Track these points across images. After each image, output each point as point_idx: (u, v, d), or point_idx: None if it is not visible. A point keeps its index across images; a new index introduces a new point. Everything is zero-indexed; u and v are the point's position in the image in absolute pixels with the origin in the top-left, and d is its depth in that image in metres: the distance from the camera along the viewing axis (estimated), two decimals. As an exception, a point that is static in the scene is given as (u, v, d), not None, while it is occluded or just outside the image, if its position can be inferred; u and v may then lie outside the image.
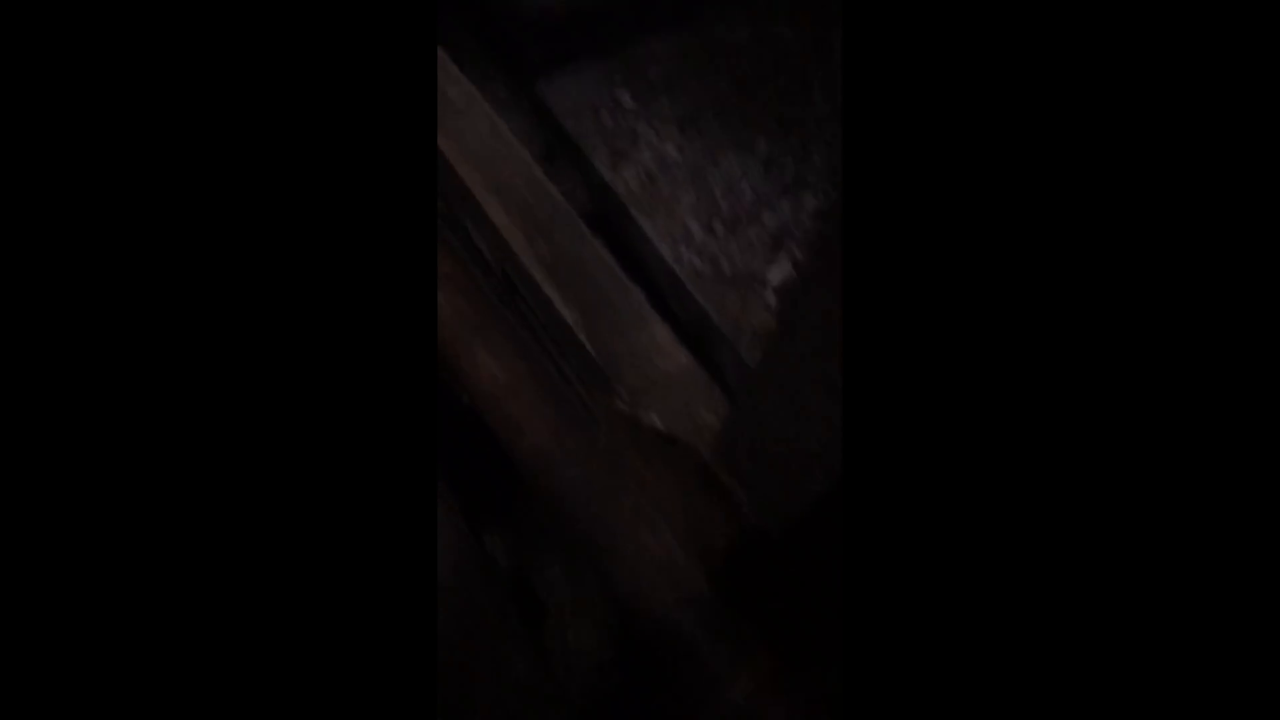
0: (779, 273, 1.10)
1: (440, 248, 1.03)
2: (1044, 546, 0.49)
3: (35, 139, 0.50)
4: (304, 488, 0.50)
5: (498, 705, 0.83)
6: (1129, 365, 0.48)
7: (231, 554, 0.50)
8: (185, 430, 0.51)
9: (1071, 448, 0.49)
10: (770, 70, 1.25)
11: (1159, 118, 0.46)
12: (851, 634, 0.51)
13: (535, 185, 1.02)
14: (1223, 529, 0.46)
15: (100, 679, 0.50)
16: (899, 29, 0.48)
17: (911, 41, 0.48)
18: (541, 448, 0.87)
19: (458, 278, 1.01)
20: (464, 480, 0.94)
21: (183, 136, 0.50)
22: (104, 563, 0.51)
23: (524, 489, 0.90)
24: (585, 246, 0.97)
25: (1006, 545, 0.50)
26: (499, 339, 0.93)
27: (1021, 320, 0.49)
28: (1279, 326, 0.45)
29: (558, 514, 0.86)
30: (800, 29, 1.29)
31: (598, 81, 1.24)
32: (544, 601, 0.98)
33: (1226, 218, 0.45)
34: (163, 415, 0.51)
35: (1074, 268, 0.48)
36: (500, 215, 0.98)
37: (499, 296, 1.04)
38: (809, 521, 0.71)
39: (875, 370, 0.52)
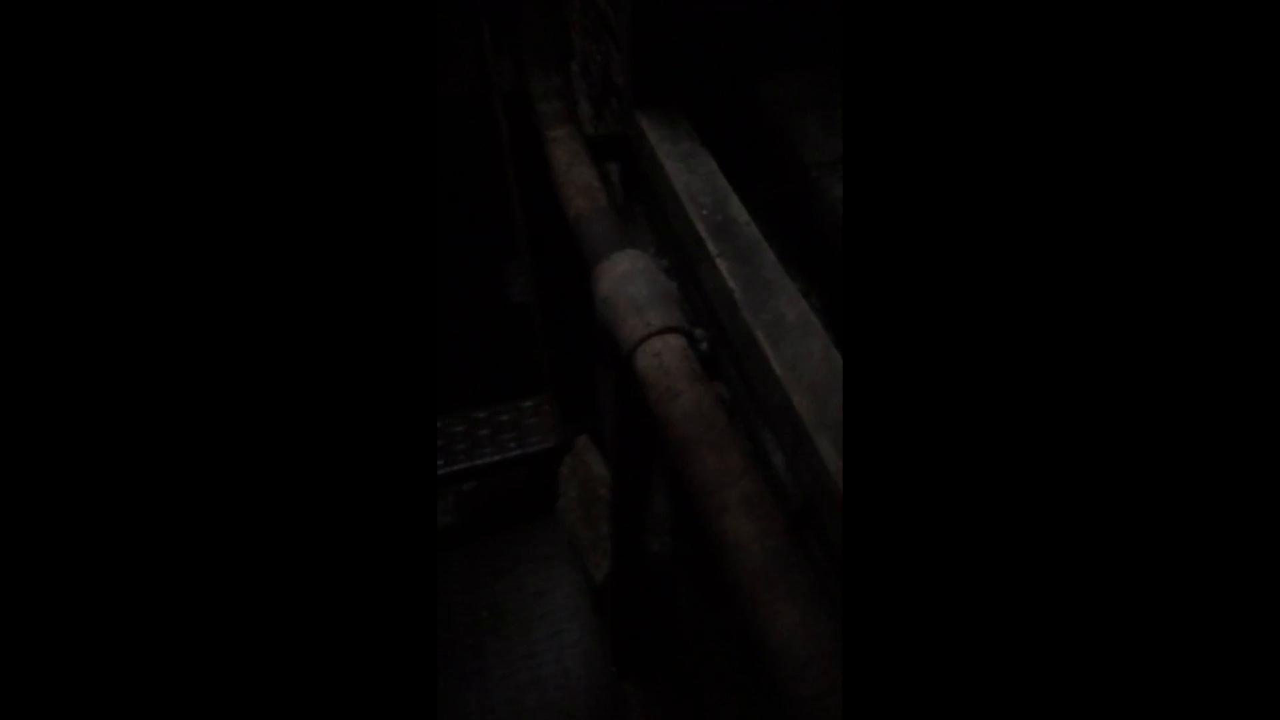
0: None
1: (750, 466, 1.03)
2: (1043, 546, 0.51)
3: (36, 138, 0.51)
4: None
5: None
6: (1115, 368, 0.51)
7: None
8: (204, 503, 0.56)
9: (1071, 450, 0.52)
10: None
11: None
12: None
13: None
14: (1221, 527, 0.46)
15: (101, 678, 0.50)
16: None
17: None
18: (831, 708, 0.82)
19: (759, 501, 1.00)
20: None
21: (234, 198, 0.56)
22: (99, 548, 0.51)
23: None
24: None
25: (1005, 547, 0.52)
26: (802, 585, 0.90)
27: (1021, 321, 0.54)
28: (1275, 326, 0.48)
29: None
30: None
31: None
32: None
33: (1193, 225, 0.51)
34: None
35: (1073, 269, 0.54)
36: (829, 453, 0.97)
37: (798, 532, 1.02)
38: None
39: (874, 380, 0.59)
